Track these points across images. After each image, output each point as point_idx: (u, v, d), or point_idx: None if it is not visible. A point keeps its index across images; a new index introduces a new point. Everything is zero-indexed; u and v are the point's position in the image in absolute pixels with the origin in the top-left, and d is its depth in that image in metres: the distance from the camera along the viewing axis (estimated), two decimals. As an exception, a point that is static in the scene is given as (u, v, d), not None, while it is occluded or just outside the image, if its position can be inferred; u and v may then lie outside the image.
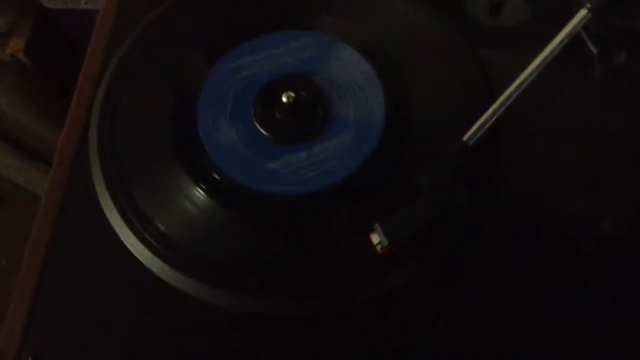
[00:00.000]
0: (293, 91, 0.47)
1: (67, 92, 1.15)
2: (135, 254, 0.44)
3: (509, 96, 0.45)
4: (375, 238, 0.42)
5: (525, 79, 0.45)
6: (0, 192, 1.31)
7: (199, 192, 0.46)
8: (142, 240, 0.45)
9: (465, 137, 0.44)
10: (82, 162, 0.49)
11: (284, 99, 0.47)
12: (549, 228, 0.45)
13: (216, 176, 0.46)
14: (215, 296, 0.43)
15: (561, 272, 0.44)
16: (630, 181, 0.47)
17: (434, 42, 0.51)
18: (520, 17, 0.54)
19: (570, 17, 0.48)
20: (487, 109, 0.45)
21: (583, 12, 0.47)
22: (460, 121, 0.47)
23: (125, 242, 0.45)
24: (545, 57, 0.46)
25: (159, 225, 0.45)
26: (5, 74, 1.06)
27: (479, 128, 0.44)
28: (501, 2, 0.53)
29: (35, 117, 1.14)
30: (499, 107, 0.45)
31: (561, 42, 0.46)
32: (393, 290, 0.43)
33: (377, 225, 0.42)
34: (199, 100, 0.49)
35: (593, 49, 0.50)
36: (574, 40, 0.47)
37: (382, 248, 0.42)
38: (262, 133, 0.47)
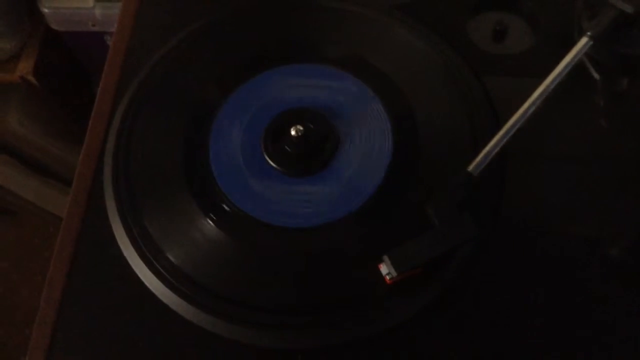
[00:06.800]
0: (302, 125, 0.47)
1: (75, 110, 1.18)
2: (151, 289, 0.46)
3: (513, 125, 0.45)
4: (384, 269, 0.42)
5: (528, 107, 0.46)
6: (11, 208, 1.33)
7: (209, 224, 0.47)
8: (156, 272, 0.45)
9: (470, 168, 0.45)
10: (96, 196, 0.50)
11: (293, 133, 0.47)
12: (556, 255, 0.46)
13: (226, 208, 0.47)
14: (221, 327, 0.44)
15: (571, 299, 0.44)
16: (636, 205, 0.48)
17: (438, 71, 0.52)
18: (524, 44, 0.54)
19: (574, 44, 0.49)
20: (493, 137, 0.46)
21: (584, 40, 0.47)
22: (467, 150, 0.48)
23: (140, 275, 0.46)
24: (548, 86, 0.46)
25: (171, 257, 0.46)
26: (15, 95, 1.08)
27: (484, 158, 0.45)
28: (505, 29, 0.54)
29: (44, 135, 1.16)
30: (503, 137, 0.45)
31: (563, 70, 0.47)
32: (402, 322, 0.44)
33: (385, 257, 0.42)
34: (211, 133, 0.50)
35: (596, 75, 0.50)
36: (578, 66, 0.47)
37: (390, 278, 0.42)
38: (271, 166, 0.48)
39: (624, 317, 0.44)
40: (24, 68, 1.03)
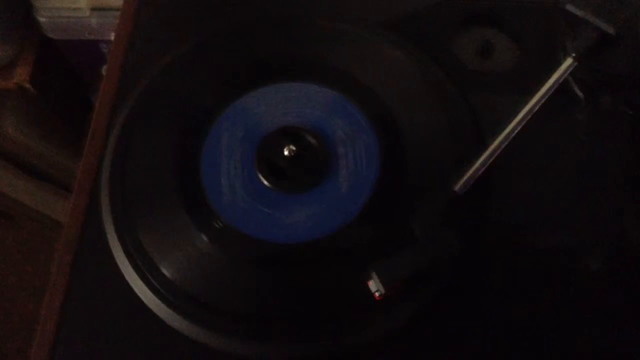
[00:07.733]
0: (294, 145, 0.49)
1: (71, 116, 1.19)
2: (147, 304, 0.47)
3: (498, 146, 0.47)
4: (372, 285, 0.44)
5: (514, 127, 0.47)
6: (9, 212, 1.34)
7: (203, 239, 0.48)
8: (150, 287, 0.47)
9: (456, 187, 0.46)
10: (94, 212, 0.51)
11: (286, 152, 0.49)
12: (540, 266, 0.47)
13: (218, 224, 0.48)
14: (212, 339, 0.45)
15: (557, 310, 0.46)
16: (617, 217, 0.49)
17: (425, 88, 0.53)
18: (510, 61, 0.55)
19: (558, 62, 0.50)
20: (476, 154, 0.47)
21: (569, 61, 0.49)
22: (452, 166, 0.49)
23: (135, 289, 0.47)
24: (532, 106, 0.48)
25: (165, 271, 0.47)
26: (11, 102, 1.09)
27: (470, 178, 0.46)
28: (491, 46, 0.55)
29: (41, 140, 1.17)
30: (489, 157, 0.47)
31: (548, 90, 0.48)
32: (391, 333, 0.45)
33: (373, 274, 0.44)
34: (204, 149, 0.51)
35: (579, 93, 0.52)
36: (562, 83, 0.49)
37: (379, 295, 0.44)
38: (264, 183, 0.49)
39: (609, 326, 0.45)
40: (20, 75, 1.04)
